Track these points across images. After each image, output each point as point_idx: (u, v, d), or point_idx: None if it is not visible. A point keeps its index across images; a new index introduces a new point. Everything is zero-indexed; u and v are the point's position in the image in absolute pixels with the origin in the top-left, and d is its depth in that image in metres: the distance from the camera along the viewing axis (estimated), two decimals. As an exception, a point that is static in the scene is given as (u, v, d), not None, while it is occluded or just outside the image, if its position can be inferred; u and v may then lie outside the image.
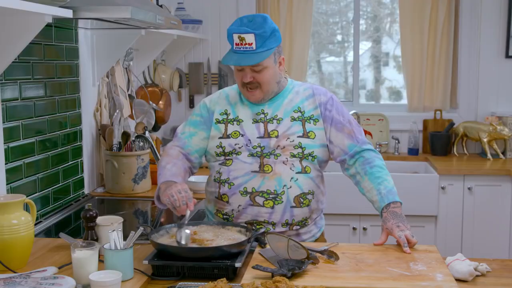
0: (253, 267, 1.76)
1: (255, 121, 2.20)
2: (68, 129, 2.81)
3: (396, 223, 2.05)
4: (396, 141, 4.29)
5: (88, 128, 3.02)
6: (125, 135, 3.05)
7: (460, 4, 4.19)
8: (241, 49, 2.09)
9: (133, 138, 3.08)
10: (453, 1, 4.19)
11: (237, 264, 1.78)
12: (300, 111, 2.20)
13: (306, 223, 2.21)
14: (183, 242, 1.88)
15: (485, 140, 4.01)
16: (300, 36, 4.30)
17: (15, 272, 1.81)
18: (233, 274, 1.79)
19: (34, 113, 2.50)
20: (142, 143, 3.08)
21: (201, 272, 1.79)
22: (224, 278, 1.69)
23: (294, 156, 2.15)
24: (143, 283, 1.76)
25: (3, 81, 2.27)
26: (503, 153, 4.09)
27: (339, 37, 4.81)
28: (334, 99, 2.25)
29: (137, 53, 3.55)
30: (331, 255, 1.88)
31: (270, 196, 2.13)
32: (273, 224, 2.15)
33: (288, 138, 2.16)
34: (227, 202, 2.17)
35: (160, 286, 1.77)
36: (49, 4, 1.97)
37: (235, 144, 2.17)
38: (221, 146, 2.19)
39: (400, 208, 2.10)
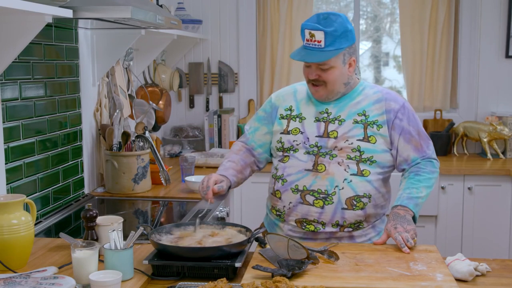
0: (253, 267, 1.76)
1: (317, 120, 2.19)
2: (68, 129, 2.81)
3: (394, 224, 2.05)
4: (396, 141, 4.28)
5: (88, 128, 3.02)
6: (125, 135, 3.05)
7: (460, 4, 4.19)
8: (310, 45, 2.09)
9: (133, 138, 3.07)
10: (453, 1, 4.19)
11: (237, 264, 1.78)
12: (364, 115, 2.16)
13: (361, 226, 2.17)
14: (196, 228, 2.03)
15: (485, 140, 4.01)
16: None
17: (15, 272, 1.81)
18: (233, 274, 1.80)
19: (34, 113, 2.50)
20: (142, 143, 3.08)
21: (201, 272, 1.79)
22: (224, 278, 1.69)
23: (350, 158, 2.12)
24: (143, 283, 1.76)
25: (3, 81, 2.27)
26: (503, 153, 4.09)
27: (339, 37, 4.81)
28: (406, 107, 2.19)
29: (137, 53, 3.55)
30: (331, 255, 1.88)
31: (321, 195, 2.11)
32: (323, 224, 2.14)
33: (347, 140, 2.13)
34: (280, 198, 2.18)
35: (160, 286, 1.77)
36: (49, 4, 1.97)
37: (294, 141, 2.18)
38: (280, 142, 2.21)
39: (405, 211, 2.08)
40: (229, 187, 2.19)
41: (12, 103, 2.33)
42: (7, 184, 2.30)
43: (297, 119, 2.21)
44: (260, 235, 2.00)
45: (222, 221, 2.46)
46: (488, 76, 4.21)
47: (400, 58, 4.41)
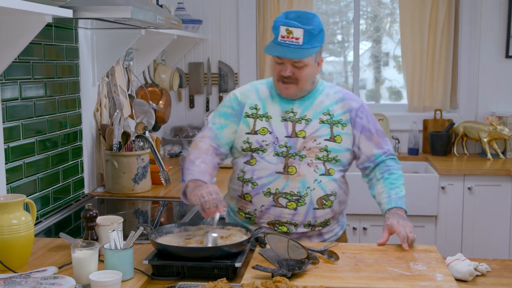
0: (253, 267, 1.76)
1: (284, 119, 2.18)
2: (68, 129, 2.81)
3: (397, 220, 2.06)
4: (396, 141, 4.29)
5: (88, 128, 3.02)
6: (125, 135, 3.05)
7: (460, 4, 4.19)
8: (287, 42, 2.07)
9: (133, 138, 3.08)
10: (453, 1, 4.19)
11: (237, 264, 1.78)
12: (329, 114, 2.18)
13: (329, 223, 2.21)
14: (209, 245, 1.88)
15: (485, 140, 4.01)
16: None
17: (15, 272, 1.81)
18: (233, 274, 1.79)
19: (34, 113, 2.50)
20: (142, 143, 3.08)
21: (201, 272, 1.79)
22: (224, 278, 1.69)
23: (318, 158, 2.14)
24: (143, 283, 1.76)
25: (3, 81, 2.27)
26: (503, 153, 4.09)
27: (339, 37, 4.82)
28: (365, 106, 2.24)
29: (137, 53, 3.55)
30: (331, 255, 1.88)
31: (294, 197, 2.12)
32: (296, 225, 2.15)
33: (315, 140, 2.14)
34: (250, 201, 2.17)
35: (160, 286, 1.77)
36: (49, 4, 1.97)
37: (263, 141, 2.16)
38: (248, 142, 2.17)
39: (402, 212, 2.11)
40: None
41: (12, 103, 2.33)
42: (7, 184, 2.30)
43: (264, 118, 2.19)
44: (260, 235, 2.00)
45: (222, 221, 2.46)
46: (488, 76, 4.21)
47: (400, 58, 4.41)
